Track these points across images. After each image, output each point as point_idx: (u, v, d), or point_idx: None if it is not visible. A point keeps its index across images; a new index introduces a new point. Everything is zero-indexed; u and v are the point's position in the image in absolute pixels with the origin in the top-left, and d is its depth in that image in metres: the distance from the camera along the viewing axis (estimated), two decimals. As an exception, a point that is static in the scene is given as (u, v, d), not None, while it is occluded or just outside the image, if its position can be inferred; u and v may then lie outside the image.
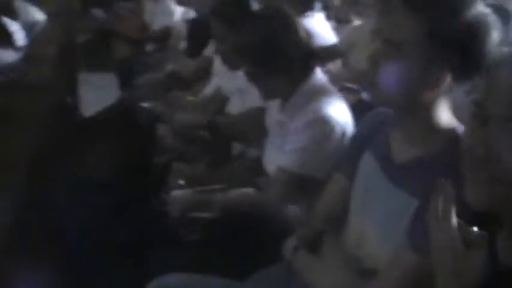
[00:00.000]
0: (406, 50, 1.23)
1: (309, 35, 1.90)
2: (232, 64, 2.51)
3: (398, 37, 1.24)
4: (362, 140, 1.52)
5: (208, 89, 3.10)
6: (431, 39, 1.21)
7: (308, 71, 1.89)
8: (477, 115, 0.92)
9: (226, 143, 2.44)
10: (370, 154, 1.45)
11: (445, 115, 1.31)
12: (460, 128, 1.30)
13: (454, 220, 1.05)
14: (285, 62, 1.83)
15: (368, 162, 1.45)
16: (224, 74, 2.78)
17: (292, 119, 1.83)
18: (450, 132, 1.30)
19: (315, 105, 1.79)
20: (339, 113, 1.80)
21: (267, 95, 1.97)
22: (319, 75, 1.92)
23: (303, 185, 1.76)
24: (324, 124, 1.75)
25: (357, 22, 3.87)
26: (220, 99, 2.78)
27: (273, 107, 2.03)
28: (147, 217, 2.00)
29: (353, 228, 1.45)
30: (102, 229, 2.01)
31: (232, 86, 2.63)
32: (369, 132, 1.51)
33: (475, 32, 1.21)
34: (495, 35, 1.21)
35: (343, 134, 1.77)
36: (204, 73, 3.37)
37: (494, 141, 0.88)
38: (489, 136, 0.89)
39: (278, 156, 1.86)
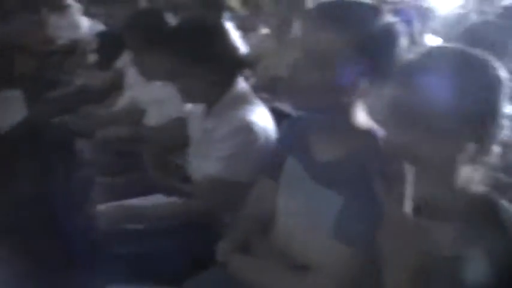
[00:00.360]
0: (324, 58, 1.32)
1: (237, 44, 1.95)
2: (149, 76, 2.53)
3: (316, 47, 1.34)
4: (285, 144, 1.60)
5: (123, 102, 3.10)
6: (347, 48, 1.31)
7: (233, 79, 1.95)
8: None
9: (149, 154, 2.46)
10: (294, 157, 1.54)
11: (361, 117, 1.42)
12: (375, 128, 1.42)
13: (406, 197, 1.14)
14: (212, 70, 1.88)
15: (292, 165, 1.53)
16: (140, 86, 2.80)
17: (218, 127, 1.88)
18: (367, 133, 1.41)
19: (239, 113, 1.85)
20: (262, 120, 1.87)
21: (193, 101, 2.02)
22: (242, 83, 1.99)
23: (229, 190, 1.82)
24: (249, 131, 1.82)
25: (263, 31, 3.98)
26: (137, 111, 2.80)
27: (196, 115, 2.07)
28: (74, 232, 1.98)
29: (281, 227, 1.54)
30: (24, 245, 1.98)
31: (149, 97, 2.65)
32: (291, 137, 1.59)
33: (385, 40, 1.33)
34: (402, 42, 1.34)
35: (267, 140, 1.84)
36: (117, 86, 3.36)
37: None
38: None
39: (204, 163, 1.91)
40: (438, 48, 1.20)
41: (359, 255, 1.30)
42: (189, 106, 2.26)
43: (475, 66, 1.11)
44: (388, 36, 1.34)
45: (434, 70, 1.09)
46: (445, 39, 2.67)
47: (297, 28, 3.51)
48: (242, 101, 1.92)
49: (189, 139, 2.15)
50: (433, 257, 1.08)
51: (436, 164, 1.07)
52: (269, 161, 1.66)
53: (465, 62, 1.11)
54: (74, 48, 4.55)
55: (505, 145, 1.10)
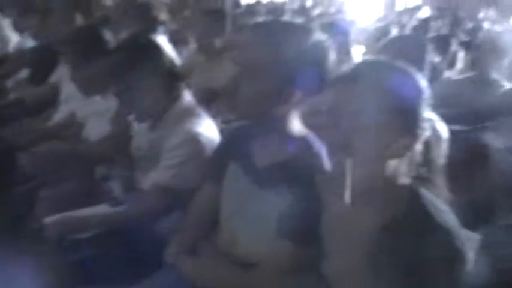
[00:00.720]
0: (260, 72, 1.46)
1: (174, 58, 2.05)
2: (89, 91, 2.59)
3: (253, 61, 1.48)
4: (226, 152, 1.72)
5: (58, 116, 3.13)
6: (281, 63, 1.45)
7: (177, 92, 2.05)
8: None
9: (91, 167, 2.51)
10: (235, 163, 1.65)
11: (296, 124, 1.56)
12: (309, 134, 1.56)
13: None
14: (155, 85, 1.97)
15: (234, 171, 1.65)
16: (78, 100, 2.85)
17: (166, 138, 1.97)
18: (301, 138, 1.55)
19: (186, 125, 1.95)
20: (208, 131, 1.98)
21: (140, 115, 2.09)
22: (188, 96, 2.09)
23: (176, 196, 1.92)
24: (196, 142, 1.92)
25: (193, 45, 4.10)
26: (75, 125, 2.84)
27: (142, 128, 2.16)
28: (19, 245, 2.02)
29: (226, 229, 1.65)
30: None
31: (88, 111, 2.70)
32: (232, 145, 1.71)
33: (315, 55, 1.48)
34: (332, 57, 1.50)
35: (212, 147, 1.94)
36: (52, 100, 3.38)
37: None
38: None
39: (153, 173, 1.99)
40: (369, 60, 1.36)
41: (301, 249, 1.43)
42: (130, 119, 2.35)
43: (400, 74, 1.25)
44: (319, 51, 1.50)
45: (367, 77, 1.23)
46: (367, 51, 2.88)
47: (219, 42, 3.66)
48: (188, 113, 2.02)
49: (129, 151, 2.24)
50: (364, 242, 1.22)
51: (369, 157, 1.21)
52: (212, 167, 1.76)
53: (392, 71, 1.26)
54: (3, 63, 4.48)
55: (425, 144, 1.26)
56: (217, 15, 3.84)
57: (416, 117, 1.23)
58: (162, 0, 8.63)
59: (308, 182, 1.43)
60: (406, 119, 1.22)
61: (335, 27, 2.77)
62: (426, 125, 1.24)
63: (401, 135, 1.21)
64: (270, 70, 1.46)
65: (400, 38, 3.05)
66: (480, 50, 3.75)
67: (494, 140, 2.88)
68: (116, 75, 2.02)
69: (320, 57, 1.50)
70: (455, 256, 1.14)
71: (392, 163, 1.22)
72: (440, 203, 1.22)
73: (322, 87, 1.48)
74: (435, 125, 1.28)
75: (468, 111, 3.44)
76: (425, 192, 1.24)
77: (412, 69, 1.28)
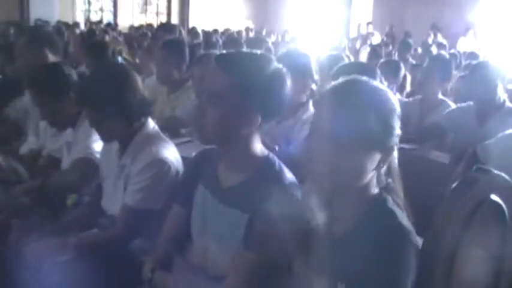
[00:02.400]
0: (223, 99, 1.61)
1: (142, 88, 2.20)
2: (59, 125, 2.72)
3: (216, 89, 1.62)
4: (194, 174, 1.86)
5: (25, 148, 3.22)
6: (242, 90, 1.60)
7: (145, 118, 2.21)
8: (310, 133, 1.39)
9: (61, 196, 2.61)
10: (202, 185, 1.80)
11: (258, 146, 1.71)
12: (270, 154, 1.72)
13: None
14: (125, 111, 2.12)
15: (202, 192, 1.79)
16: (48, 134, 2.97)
17: (133, 162, 2.12)
18: (263, 159, 1.70)
19: (152, 149, 2.11)
20: (172, 155, 2.14)
21: (109, 139, 2.23)
22: (152, 123, 2.25)
23: (146, 217, 2.05)
24: (162, 165, 2.08)
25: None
26: (46, 158, 2.94)
27: (109, 154, 2.29)
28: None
29: (197, 245, 1.79)
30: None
31: (59, 142, 2.82)
32: (199, 168, 1.85)
33: (274, 83, 1.64)
34: (288, 83, 1.66)
35: (177, 172, 2.11)
36: (17, 133, 3.46)
37: None
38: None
39: (121, 196, 2.13)
40: (346, 79, 1.43)
41: (266, 261, 1.57)
42: (97, 148, 2.49)
43: (376, 92, 1.37)
44: (277, 79, 1.65)
45: (344, 96, 1.36)
46: (321, 78, 3.06)
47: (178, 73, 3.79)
48: (153, 139, 2.18)
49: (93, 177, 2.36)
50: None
51: (347, 174, 1.34)
52: (181, 190, 1.90)
53: (368, 89, 1.37)
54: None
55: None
56: (175, 46, 3.92)
57: (392, 132, 1.35)
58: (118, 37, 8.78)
59: (270, 198, 1.57)
60: (383, 135, 1.33)
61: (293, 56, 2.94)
62: (396, 139, 1.36)
63: (378, 150, 1.34)
64: (233, 98, 1.60)
65: (350, 65, 3.27)
66: (427, 74, 4.02)
67: (439, 157, 3.10)
68: (88, 108, 2.16)
69: (278, 84, 1.65)
70: (407, 257, 1.29)
71: (368, 176, 1.36)
72: (400, 211, 1.38)
73: (281, 111, 1.65)
74: None
75: (416, 131, 3.67)
76: (390, 201, 1.39)
77: (384, 87, 1.41)
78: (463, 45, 12.50)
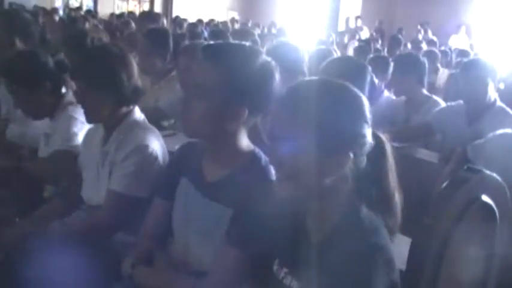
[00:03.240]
0: (209, 92, 1.61)
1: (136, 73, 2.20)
2: (34, 115, 2.72)
3: (202, 82, 1.63)
4: (177, 167, 1.86)
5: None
6: (228, 83, 1.61)
7: (133, 106, 2.21)
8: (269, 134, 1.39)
9: (37, 187, 2.59)
10: (186, 178, 1.80)
11: (244, 140, 1.72)
12: (256, 149, 1.73)
13: None
14: (117, 92, 2.12)
15: (185, 185, 1.80)
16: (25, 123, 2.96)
17: (118, 149, 2.12)
18: (249, 154, 1.72)
19: (138, 135, 2.11)
20: (158, 143, 2.14)
21: (94, 120, 2.23)
22: (138, 111, 2.25)
23: (132, 204, 2.05)
24: (147, 152, 2.07)
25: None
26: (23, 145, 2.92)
27: (91, 142, 2.29)
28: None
29: (179, 240, 1.79)
30: None
31: (39, 131, 2.80)
32: (182, 161, 1.86)
33: (262, 77, 1.65)
34: (277, 77, 1.67)
35: (163, 162, 2.10)
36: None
37: None
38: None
39: (105, 184, 2.12)
40: (303, 81, 1.47)
41: (249, 256, 1.59)
42: (77, 141, 2.49)
43: (333, 93, 1.37)
44: (265, 72, 1.66)
45: (296, 98, 1.36)
46: (309, 73, 3.08)
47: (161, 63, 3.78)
48: (139, 126, 2.18)
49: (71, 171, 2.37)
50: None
51: (305, 176, 1.33)
52: (164, 183, 1.90)
53: (324, 90, 1.37)
54: None
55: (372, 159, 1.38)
56: (159, 35, 3.91)
57: (349, 135, 1.32)
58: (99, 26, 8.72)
59: (254, 193, 1.59)
60: (337, 137, 1.31)
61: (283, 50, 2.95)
62: (363, 141, 1.34)
63: (334, 153, 1.32)
64: (219, 91, 1.61)
65: (340, 60, 3.28)
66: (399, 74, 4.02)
67: (427, 155, 3.13)
68: (82, 76, 2.16)
69: (266, 77, 1.66)
70: (374, 279, 1.24)
71: (330, 179, 1.34)
72: (375, 220, 1.36)
73: (268, 105, 1.66)
74: (383, 140, 1.44)
75: (404, 130, 3.70)
76: (364, 207, 1.37)
77: (347, 87, 1.39)
78: (455, 42, 12.59)
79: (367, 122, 1.35)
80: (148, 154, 2.08)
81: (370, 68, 2.79)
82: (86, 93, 2.14)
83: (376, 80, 3.29)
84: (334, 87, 1.39)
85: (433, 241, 1.42)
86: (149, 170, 2.07)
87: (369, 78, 2.68)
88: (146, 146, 2.08)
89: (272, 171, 1.66)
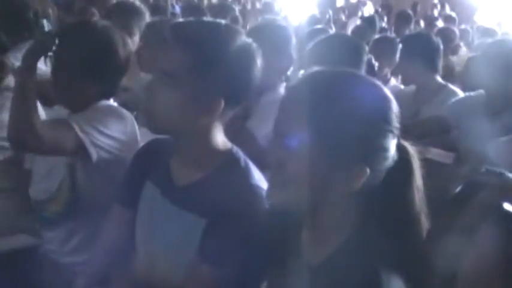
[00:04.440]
0: (179, 79, 1.63)
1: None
2: None
3: (170, 67, 1.64)
4: (141, 169, 1.88)
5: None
6: (200, 68, 1.62)
7: (113, 90, 2.32)
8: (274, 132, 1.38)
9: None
10: (151, 182, 1.82)
11: (220, 138, 1.74)
12: (234, 148, 1.75)
13: None
14: (103, 74, 2.23)
15: (150, 190, 1.82)
16: None
17: None
18: (226, 153, 1.73)
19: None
20: (130, 131, 2.25)
21: (69, 105, 2.31)
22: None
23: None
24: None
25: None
26: None
27: None
28: None
29: (143, 255, 1.81)
30: None
31: None
32: (146, 162, 1.87)
33: (241, 62, 1.66)
34: (258, 62, 1.69)
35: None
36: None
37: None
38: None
39: (60, 175, 2.20)
40: (317, 70, 1.40)
41: (226, 276, 1.60)
42: None
43: (369, 93, 1.33)
44: (244, 57, 1.68)
45: (307, 93, 1.32)
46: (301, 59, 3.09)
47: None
48: (111, 112, 2.28)
49: None
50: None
51: (304, 188, 1.31)
52: (124, 187, 1.93)
53: (343, 83, 1.34)
54: None
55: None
56: (119, 10, 3.93)
57: (367, 146, 1.29)
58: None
59: (233, 201, 1.61)
60: (351, 146, 1.28)
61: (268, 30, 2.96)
62: (385, 155, 1.31)
63: (346, 164, 1.29)
64: (191, 78, 1.63)
65: (329, 38, 3.23)
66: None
67: (441, 156, 3.16)
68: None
69: (246, 62, 1.67)
70: None
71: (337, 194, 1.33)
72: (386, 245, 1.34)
73: (247, 95, 1.68)
74: (409, 152, 1.40)
75: (413, 125, 3.71)
76: (373, 233, 1.35)
77: (375, 84, 1.36)
78: (481, 19, 12.47)
79: (392, 132, 1.32)
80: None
81: (367, 48, 2.78)
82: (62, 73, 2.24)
83: (376, 64, 3.29)
84: (358, 82, 1.38)
85: (442, 258, 1.45)
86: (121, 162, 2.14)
87: (365, 59, 2.68)
88: None
89: (254, 174, 1.70)
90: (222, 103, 1.66)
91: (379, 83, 1.39)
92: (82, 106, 2.25)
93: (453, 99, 3.71)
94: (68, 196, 2.27)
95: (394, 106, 1.34)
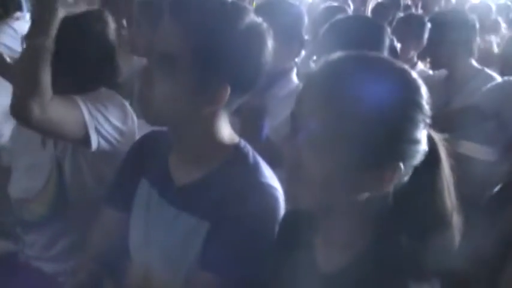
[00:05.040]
0: (179, 63, 1.58)
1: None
2: None
3: (170, 49, 1.59)
4: (134, 166, 1.86)
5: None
6: (204, 51, 1.58)
7: (100, 82, 2.29)
8: (292, 126, 1.32)
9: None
10: (147, 181, 1.80)
11: (226, 130, 1.70)
12: (242, 141, 1.72)
13: None
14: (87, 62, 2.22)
15: (145, 190, 1.79)
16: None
17: None
18: (232, 147, 1.70)
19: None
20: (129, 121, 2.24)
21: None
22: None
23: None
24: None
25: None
26: None
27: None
28: None
29: (137, 261, 1.79)
30: None
31: None
32: (142, 157, 1.85)
33: (249, 43, 1.62)
34: (269, 44, 1.65)
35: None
36: None
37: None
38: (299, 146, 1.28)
39: (46, 171, 2.19)
40: (340, 56, 1.33)
41: (231, 285, 1.58)
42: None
43: (401, 79, 1.29)
44: (253, 38, 1.63)
45: (330, 81, 1.27)
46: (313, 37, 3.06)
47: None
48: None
49: None
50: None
51: (325, 186, 1.27)
52: (115, 187, 1.91)
53: (368, 71, 1.28)
54: None
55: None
56: None
57: (401, 139, 1.25)
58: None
59: (240, 201, 1.58)
60: (378, 144, 1.24)
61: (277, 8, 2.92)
62: (417, 148, 1.27)
63: (378, 163, 1.25)
64: (192, 61, 1.58)
65: (347, 19, 3.18)
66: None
67: (474, 150, 3.11)
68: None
69: (256, 44, 1.63)
70: None
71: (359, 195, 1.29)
72: (416, 251, 1.31)
73: (257, 82, 1.64)
74: (436, 142, 1.34)
75: (443, 115, 3.64)
76: (402, 237, 1.32)
77: (405, 70, 1.32)
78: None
79: (424, 121, 1.28)
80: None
81: (388, 30, 2.75)
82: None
83: (398, 45, 3.24)
84: (385, 68, 1.32)
85: (481, 265, 1.42)
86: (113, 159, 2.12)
87: (387, 43, 2.65)
88: None
89: (264, 171, 1.67)
90: (228, 90, 1.61)
91: (407, 67, 1.34)
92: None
93: (489, 85, 3.65)
94: (55, 195, 2.25)
95: (424, 92, 1.29)
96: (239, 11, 1.65)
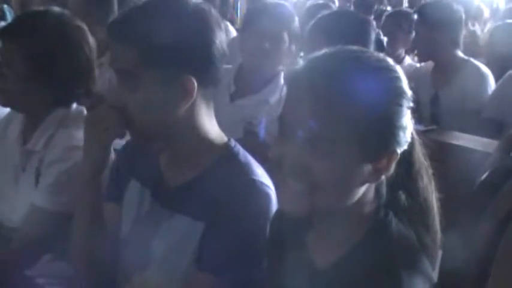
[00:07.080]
0: (136, 75, 1.59)
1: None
2: None
3: (123, 66, 1.62)
4: (124, 167, 1.87)
5: None
6: (151, 57, 1.58)
7: (75, 96, 2.26)
8: (280, 130, 1.34)
9: None
10: (137, 182, 1.81)
11: (213, 129, 1.72)
12: (231, 140, 1.74)
13: None
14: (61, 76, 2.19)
15: (136, 191, 1.81)
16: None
17: (46, 147, 2.17)
18: (222, 147, 1.72)
19: (72, 131, 2.16)
20: None
21: (23, 110, 2.28)
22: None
23: (60, 222, 2.06)
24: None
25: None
26: None
27: (9, 139, 2.32)
28: None
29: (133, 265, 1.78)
30: None
31: None
32: (132, 158, 1.86)
33: (195, 28, 1.63)
34: (216, 26, 1.66)
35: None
36: None
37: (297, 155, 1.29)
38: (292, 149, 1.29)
39: (29, 194, 2.15)
40: (326, 53, 1.35)
41: (227, 283, 1.60)
42: None
43: (368, 72, 1.31)
44: (197, 24, 1.63)
45: (319, 78, 1.28)
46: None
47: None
48: (75, 119, 2.21)
49: None
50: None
51: (325, 184, 1.28)
52: (110, 186, 1.90)
53: (355, 67, 1.31)
54: None
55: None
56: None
57: (393, 126, 1.29)
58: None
59: (233, 200, 1.61)
60: (374, 136, 1.27)
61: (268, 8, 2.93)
62: (404, 136, 1.31)
63: (368, 158, 1.28)
64: (146, 69, 1.59)
65: (334, 16, 3.20)
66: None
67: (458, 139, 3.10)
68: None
69: (201, 29, 1.64)
70: None
71: (358, 191, 1.32)
72: (409, 239, 1.36)
73: (219, 67, 1.67)
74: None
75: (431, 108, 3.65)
76: (390, 219, 1.36)
77: (383, 59, 1.35)
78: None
79: (409, 106, 1.33)
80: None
81: (374, 24, 2.77)
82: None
83: (385, 39, 3.26)
84: (366, 60, 1.34)
85: (468, 254, 1.45)
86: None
87: (373, 36, 2.68)
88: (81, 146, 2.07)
89: (255, 169, 1.69)
90: (194, 82, 1.62)
91: (385, 56, 1.38)
92: (37, 113, 2.24)
93: (491, 93, 3.62)
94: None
95: (404, 77, 1.33)
96: (177, 6, 1.66)
